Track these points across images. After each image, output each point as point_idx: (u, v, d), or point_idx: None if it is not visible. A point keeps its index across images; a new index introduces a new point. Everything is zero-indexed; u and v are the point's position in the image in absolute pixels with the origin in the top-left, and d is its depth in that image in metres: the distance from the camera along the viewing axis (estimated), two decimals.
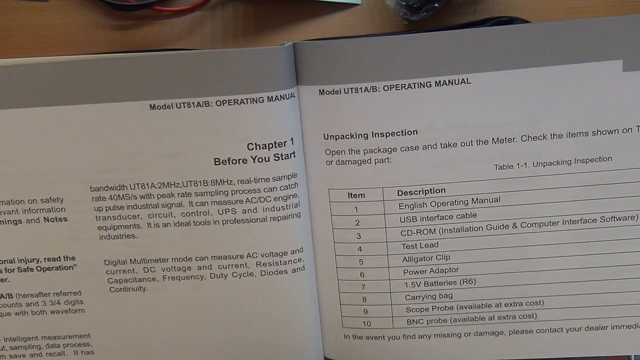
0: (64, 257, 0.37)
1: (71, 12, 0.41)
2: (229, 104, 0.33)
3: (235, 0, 0.41)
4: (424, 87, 0.34)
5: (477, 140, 0.35)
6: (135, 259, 0.37)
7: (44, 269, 0.37)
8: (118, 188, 0.35)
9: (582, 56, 0.33)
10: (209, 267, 0.37)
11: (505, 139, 0.34)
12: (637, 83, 0.33)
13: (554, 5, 0.41)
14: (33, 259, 0.37)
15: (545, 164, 0.35)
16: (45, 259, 0.37)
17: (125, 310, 0.38)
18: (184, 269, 0.37)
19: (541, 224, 0.36)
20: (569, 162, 0.35)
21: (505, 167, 0.35)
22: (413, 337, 0.38)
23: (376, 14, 0.41)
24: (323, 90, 0.34)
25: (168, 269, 0.37)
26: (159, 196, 0.35)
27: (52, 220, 0.36)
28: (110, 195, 0.35)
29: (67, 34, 0.41)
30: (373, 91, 0.34)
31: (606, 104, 0.34)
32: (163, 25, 0.41)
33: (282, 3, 0.41)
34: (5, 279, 0.37)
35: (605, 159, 0.35)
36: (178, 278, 0.37)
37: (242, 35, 0.41)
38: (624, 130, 0.34)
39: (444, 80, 0.34)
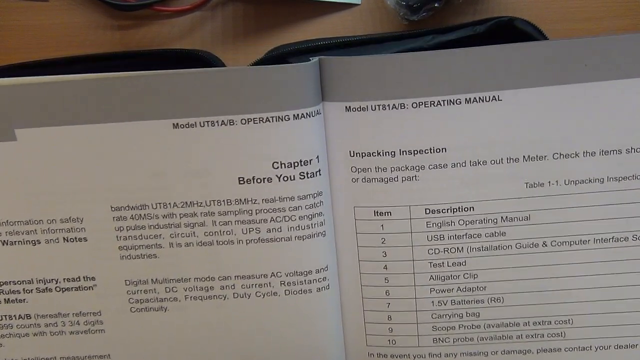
0: (84, 278, 0.36)
1: (71, 12, 0.41)
2: (254, 123, 0.33)
3: (235, 0, 0.41)
4: (453, 104, 0.33)
5: (507, 158, 0.34)
6: (156, 279, 0.36)
7: (63, 290, 0.36)
8: (140, 207, 0.34)
9: (616, 73, 0.32)
10: (232, 287, 0.36)
11: (537, 156, 0.34)
12: None
13: (554, 5, 0.41)
14: (52, 280, 0.36)
15: (577, 182, 0.34)
16: (64, 279, 0.36)
17: (146, 331, 0.37)
18: (206, 288, 0.36)
19: (572, 243, 0.35)
20: (602, 180, 0.34)
21: (536, 185, 0.34)
22: (439, 355, 0.38)
23: (376, 14, 0.41)
24: (349, 107, 0.33)
25: (190, 289, 0.36)
26: (181, 215, 0.34)
27: (72, 240, 0.35)
28: (132, 215, 0.35)
29: (67, 34, 0.41)
30: (401, 108, 0.33)
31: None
32: (163, 25, 0.41)
33: (282, 3, 0.41)
34: (24, 299, 0.36)
35: (638, 177, 0.34)
36: (200, 298, 0.36)
37: (242, 35, 0.41)
38: None
39: (475, 98, 0.33)
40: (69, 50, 0.40)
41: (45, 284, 0.36)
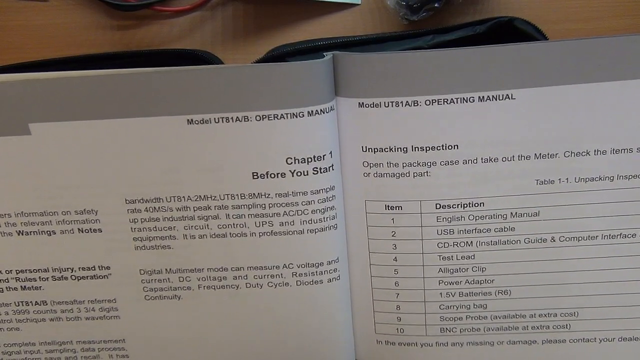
0: (99, 267, 0.37)
1: (71, 12, 0.41)
2: (269, 119, 0.33)
3: (235, 0, 0.41)
4: (466, 102, 0.33)
5: (518, 156, 0.34)
6: (170, 269, 0.36)
7: (79, 278, 0.37)
8: (154, 200, 0.35)
9: (629, 73, 0.32)
10: (245, 277, 0.36)
11: (548, 154, 0.34)
12: None
13: (554, 5, 0.41)
14: (67, 268, 0.37)
15: (587, 179, 0.34)
16: (79, 268, 0.37)
17: (161, 317, 0.38)
18: (219, 278, 0.37)
19: (580, 238, 0.35)
20: (612, 178, 0.34)
21: (546, 182, 0.34)
22: (445, 344, 0.38)
23: (376, 14, 0.41)
24: (363, 103, 0.34)
25: (204, 279, 0.37)
26: (195, 209, 0.35)
27: (87, 231, 0.36)
28: (146, 208, 0.35)
29: (67, 34, 0.41)
30: (415, 105, 0.33)
31: None
32: (163, 25, 0.41)
33: (282, 3, 0.41)
34: (40, 287, 0.37)
35: None
36: (213, 287, 0.37)
37: (242, 35, 0.41)
38: None
39: (488, 96, 0.33)
40: (69, 50, 0.41)
41: (60, 272, 0.37)
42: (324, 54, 0.33)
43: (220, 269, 0.36)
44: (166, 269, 0.36)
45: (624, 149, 0.34)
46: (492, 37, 0.39)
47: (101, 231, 0.36)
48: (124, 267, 0.37)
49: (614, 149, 0.34)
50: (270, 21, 0.41)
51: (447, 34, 0.39)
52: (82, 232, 0.36)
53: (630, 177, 0.34)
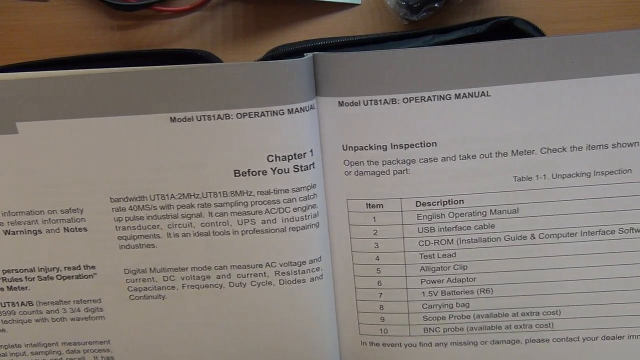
0: (84, 266, 0.37)
1: (71, 12, 0.41)
2: (250, 117, 0.33)
3: (235, 0, 0.41)
4: (443, 99, 0.34)
5: (496, 153, 0.35)
6: (154, 268, 0.37)
7: (64, 278, 0.37)
8: (138, 199, 0.35)
9: (603, 69, 0.33)
10: (228, 276, 0.37)
11: (525, 151, 0.34)
12: None
13: (554, 5, 0.41)
14: (53, 268, 0.37)
15: (564, 175, 0.35)
16: (65, 267, 0.37)
17: (145, 318, 0.38)
18: (203, 277, 0.37)
19: (559, 235, 0.36)
20: (588, 174, 0.35)
21: (524, 179, 0.35)
22: (429, 344, 0.38)
23: (376, 14, 0.41)
24: (342, 101, 0.34)
25: (187, 278, 0.37)
26: (178, 207, 0.35)
27: (72, 230, 0.36)
28: (131, 206, 0.36)
29: (67, 34, 0.41)
30: (392, 103, 0.34)
31: (627, 117, 0.34)
32: (163, 25, 0.41)
33: (282, 3, 0.41)
34: (26, 287, 0.37)
35: (624, 172, 0.35)
36: (197, 287, 0.37)
37: (242, 35, 0.41)
38: None
39: (464, 93, 0.34)
40: (69, 50, 0.41)
41: (46, 272, 0.37)
42: (305, 54, 0.34)
43: (204, 268, 0.37)
44: (150, 268, 0.37)
45: (600, 145, 0.34)
46: (492, 37, 0.39)
47: (86, 230, 0.36)
48: (108, 267, 0.37)
49: (589, 145, 0.34)
50: (270, 21, 0.41)
51: (447, 34, 0.40)
52: (68, 231, 0.36)
53: (607, 173, 0.35)
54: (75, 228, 0.36)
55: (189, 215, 0.36)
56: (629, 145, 0.34)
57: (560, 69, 0.33)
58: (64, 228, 0.36)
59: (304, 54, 0.34)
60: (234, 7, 0.41)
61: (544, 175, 0.35)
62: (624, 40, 0.33)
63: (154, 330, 0.38)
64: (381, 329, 0.38)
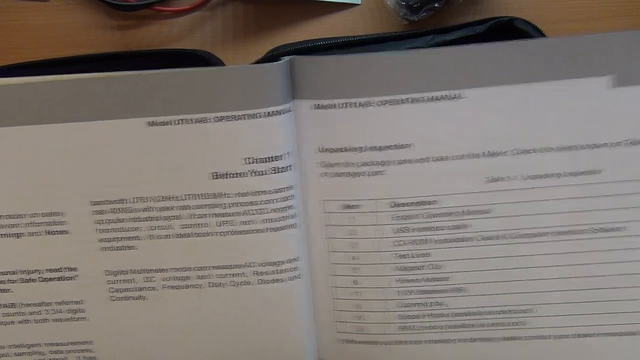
0: (66, 268, 0.37)
1: (71, 12, 0.41)
2: (227, 120, 0.34)
3: (235, 0, 0.41)
4: (417, 102, 0.34)
5: (468, 154, 0.35)
6: (135, 269, 0.37)
7: (46, 280, 0.38)
8: (118, 202, 0.36)
9: (572, 72, 0.34)
10: (208, 277, 0.37)
11: (497, 152, 0.35)
12: (626, 98, 0.34)
13: (554, 5, 0.41)
14: (35, 270, 0.38)
15: (535, 176, 0.36)
16: (47, 270, 0.38)
17: (126, 318, 0.38)
18: (183, 278, 0.37)
19: (531, 235, 0.37)
20: (559, 174, 0.36)
21: (496, 180, 0.36)
22: (405, 342, 0.39)
23: (376, 14, 0.41)
24: (318, 104, 0.35)
25: (168, 279, 0.38)
26: (158, 209, 0.36)
27: (54, 233, 0.37)
28: (111, 209, 0.36)
29: (67, 34, 0.41)
30: (367, 106, 0.35)
31: (596, 119, 0.34)
32: (163, 25, 0.41)
33: (282, 3, 0.41)
34: (8, 289, 0.38)
35: (594, 172, 0.35)
36: (177, 287, 0.38)
37: (242, 35, 0.41)
38: (613, 144, 0.35)
39: (437, 96, 0.34)
40: (69, 50, 0.41)
41: (28, 274, 0.38)
42: (281, 58, 0.35)
43: (184, 269, 0.37)
44: (131, 270, 0.37)
45: (570, 147, 0.35)
46: (492, 37, 0.39)
47: (68, 233, 0.37)
48: (90, 268, 0.37)
49: (559, 147, 0.35)
50: (270, 21, 0.41)
51: (447, 34, 0.40)
52: (50, 234, 0.37)
53: (577, 174, 0.35)
54: (57, 231, 0.37)
55: (168, 217, 0.36)
56: (598, 147, 0.35)
57: (532, 72, 0.34)
58: (46, 231, 0.37)
59: (281, 58, 0.35)
60: (234, 7, 0.41)
61: (516, 176, 0.36)
62: (593, 44, 0.33)
63: (136, 331, 0.39)
64: (358, 327, 0.39)
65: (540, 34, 0.39)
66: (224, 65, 0.40)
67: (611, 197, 0.36)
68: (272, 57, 0.40)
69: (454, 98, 0.34)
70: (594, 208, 0.36)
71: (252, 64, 0.39)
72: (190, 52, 0.40)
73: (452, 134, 0.35)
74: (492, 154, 0.35)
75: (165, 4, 0.41)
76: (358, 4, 0.41)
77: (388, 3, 0.40)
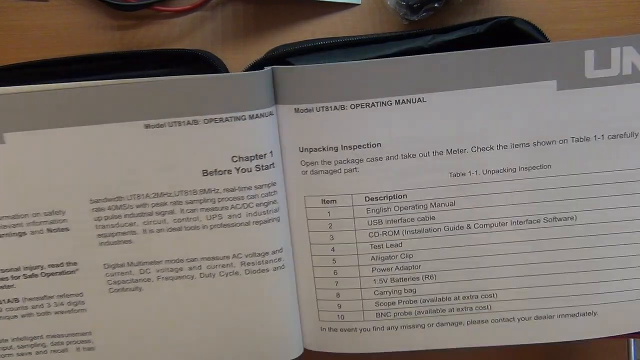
0: (67, 263, 0.41)
1: (71, 12, 0.42)
2: (216, 122, 0.38)
3: (235, 0, 0.42)
4: (385, 105, 0.39)
5: (433, 152, 0.39)
6: (132, 262, 0.41)
7: (48, 275, 0.41)
8: (116, 199, 0.39)
9: (521, 77, 0.38)
10: (199, 268, 0.41)
11: (458, 150, 0.39)
12: (569, 100, 0.38)
13: (554, 5, 0.42)
14: (37, 266, 0.41)
15: (493, 171, 0.40)
16: (49, 265, 0.41)
17: (124, 309, 0.42)
18: (176, 270, 0.41)
19: (492, 225, 0.41)
20: (514, 169, 0.40)
21: (458, 174, 0.40)
22: (382, 328, 0.43)
23: (376, 14, 0.42)
24: (298, 108, 0.39)
25: (162, 270, 0.41)
26: (153, 205, 0.40)
27: (55, 230, 0.40)
28: (109, 206, 0.40)
29: (67, 34, 0.42)
30: (342, 109, 0.39)
31: (544, 119, 0.39)
32: (163, 25, 0.42)
33: (282, 3, 0.42)
34: (12, 285, 0.41)
35: (545, 167, 0.40)
36: (171, 278, 0.41)
37: (242, 35, 0.42)
38: (560, 142, 0.39)
39: (403, 99, 0.38)
40: (69, 50, 0.41)
41: (31, 270, 0.41)
42: (265, 67, 0.39)
43: (177, 261, 0.41)
44: (128, 262, 0.41)
45: (522, 144, 0.39)
46: (492, 37, 0.41)
47: (68, 230, 0.40)
48: (89, 263, 0.41)
49: (513, 144, 0.39)
50: (270, 21, 0.42)
51: (447, 34, 0.41)
52: (51, 231, 0.40)
53: (530, 168, 0.40)
54: (58, 228, 0.40)
55: (162, 213, 0.40)
56: (547, 144, 0.39)
57: (485, 78, 0.38)
58: (47, 229, 0.40)
59: (264, 67, 0.39)
60: (234, 7, 0.41)
61: (476, 171, 0.40)
62: (539, 52, 0.38)
63: (132, 321, 0.42)
64: (338, 315, 0.43)
65: (540, 34, 0.41)
66: (224, 64, 0.43)
67: (561, 189, 0.40)
68: (272, 57, 0.42)
69: (417, 101, 0.39)
70: (546, 199, 0.40)
71: (252, 64, 0.42)
72: (190, 52, 0.41)
73: (417, 134, 0.39)
74: (454, 152, 0.39)
75: (165, 4, 0.41)
76: (358, 4, 0.42)
77: (388, 3, 0.40)
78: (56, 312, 0.42)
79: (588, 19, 0.43)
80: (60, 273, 0.41)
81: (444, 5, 0.41)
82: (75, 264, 0.41)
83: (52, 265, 0.41)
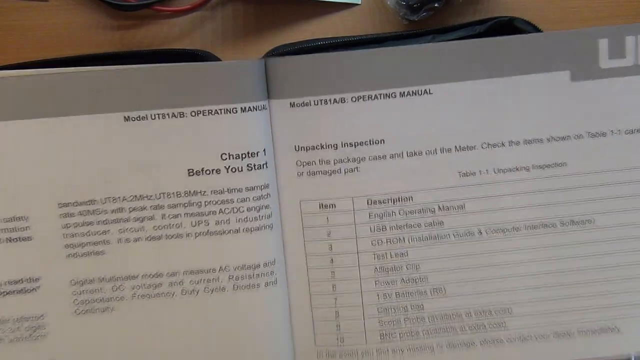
0: (27, 279, 0.35)
1: (71, 12, 0.41)
2: (203, 115, 0.34)
3: (235, 0, 0.41)
4: (389, 97, 0.36)
5: (440, 148, 0.36)
6: (103, 277, 0.36)
7: (4, 294, 0.35)
8: (88, 203, 0.35)
9: (533, 67, 0.36)
10: (181, 283, 0.36)
11: (467, 146, 0.36)
12: (584, 92, 0.36)
13: (554, 5, 0.42)
14: None
15: (505, 170, 0.37)
16: (6, 282, 0.35)
17: (90, 334, 0.36)
18: (154, 285, 0.36)
19: (505, 230, 0.37)
20: (528, 168, 0.37)
21: (468, 174, 0.37)
22: (386, 351, 0.38)
23: (376, 14, 0.42)
24: (293, 102, 0.36)
25: (137, 287, 0.36)
26: (130, 209, 0.35)
27: (15, 240, 0.35)
28: (80, 211, 0.35)
29: (67, 34, 0.41)
30: (341, 102, 0.35)
31: (557, 112, 0.36)
32: (163, 25, 0.42)
33: (282, 3, 0.42)
34: None
35: (560, 165, 0.37)
36: (148, 296, 0.36)
37: (242, 35, 0.42)
38: (576, 137, 0.36)
39: (408, 91, 0.36)
40: (69, 50, 0.41)
41: None
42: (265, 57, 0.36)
43: (155, 275, 0.36)
44: (99, 278, 0.36)
45: (535, 140, 0.36)
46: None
47: (31, 239, 0.35)
48: (54, 278, 0.36)
49: (526, 140, 0.36)
50: (270, 21, 0.42)
51: (447, 34, 0.40)
52: (11, 241, 0.35)
53: (544, 166, 0.37)
54: (19, 238, 0.35)
55: (140, 219, 0.35)
56: (562, 139, 0.37)
57: (496, 68, 0.36)
58: (7, 238, 0.35)
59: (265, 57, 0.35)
60: (234, 7, 0.41)
61: (487, 170, 0.37)
62: (552, 41, 0.36)
63: (100, 348, 0.36)
64: (337, 338, 0.38)
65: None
66: None
67: (578, 190, 0.37)
68: (272, 57, 0.39)
69: (423, 93, 0.36)
70: (562, 201, 0.37)
71: None
72: (190, 52, 0.40)
73: (423, 129, 0.36)
74: (463, 149, 0.36)
75: (165, 4, 0.41)
76: (358, 4, 0.42)
77: (388, 3, 0.40)
78: (11, 340, 0.36)
79: (588, 19, 0.42)
80: (20, 291, 0.35)
81: (444, 5, 0.40)
82: (37, 279, 0.35)
83: (11, 282, 0.35)
